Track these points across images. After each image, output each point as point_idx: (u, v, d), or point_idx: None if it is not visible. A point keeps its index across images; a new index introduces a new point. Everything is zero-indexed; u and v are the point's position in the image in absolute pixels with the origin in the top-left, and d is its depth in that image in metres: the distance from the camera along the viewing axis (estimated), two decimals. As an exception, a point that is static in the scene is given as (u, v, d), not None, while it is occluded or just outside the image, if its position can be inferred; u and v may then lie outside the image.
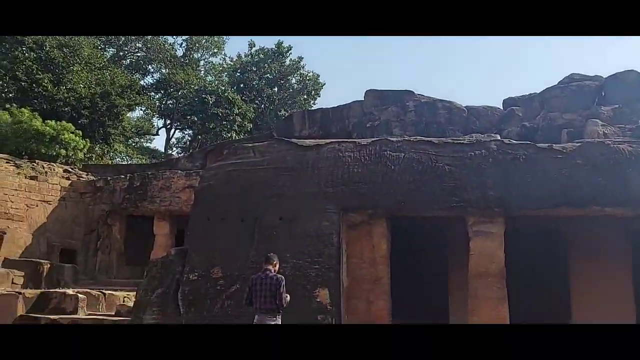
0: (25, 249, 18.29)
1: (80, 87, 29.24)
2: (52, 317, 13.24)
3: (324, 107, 25.86)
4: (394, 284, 10.37)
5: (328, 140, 11.26)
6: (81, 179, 21.77)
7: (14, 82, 28.83)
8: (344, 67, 71.79)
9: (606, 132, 12.29)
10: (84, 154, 26.41)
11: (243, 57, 43.29)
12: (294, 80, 43.57)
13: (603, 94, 16.50)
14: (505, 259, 9.78)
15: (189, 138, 42.73)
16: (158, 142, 52.05)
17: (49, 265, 17.04)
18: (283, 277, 7.95)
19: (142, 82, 38.48)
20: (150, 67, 40.29)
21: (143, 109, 39.85)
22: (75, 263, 19.24)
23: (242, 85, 40.93)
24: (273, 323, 7.77)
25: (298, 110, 30.19)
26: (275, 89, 42.25)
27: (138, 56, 39.83)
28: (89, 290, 15.33)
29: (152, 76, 40.56)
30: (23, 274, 16.13)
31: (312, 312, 9.27)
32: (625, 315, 10.88)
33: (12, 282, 15.52)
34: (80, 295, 14.26)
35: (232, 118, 35.45)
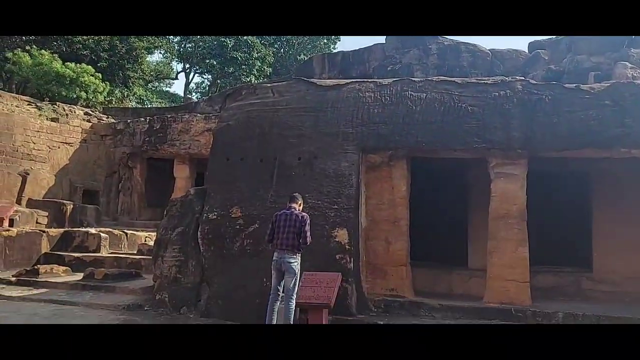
0: (48, 190, 18.58)
1: (99, 28, 28.98)
2: (75, 254, 13.60)
3: (345, 50, 25.47)
4: (413, 225, 10.33)
5: (348, 80, 11.05)
6: (102, 121, 21.88)
7: (34, 24, 28.65)
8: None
9: (635, 74, 11.91)
10: (104, 97, 26.43)
11: (263, -1, 42.52)
12: (314, 24, 42.91)
13: (633, 36, 15.96)
14: (527, 201, 9.66)
15: (208, 83, 42.58)
16: (177, 87, 51.94)
17: (72, 206, 17.38)
18: (308, 216, 7.96)
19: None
20: (169, 9, 39.79)
21: (162, 52, 39.61)
22: (97, 204, 19.54)
23: (261, 29, 40.35)
24: (294, 262, 7.79)
25: (318, 54, 29.79)
26: (295, 33, 41.66)
27: (157, -2, 39.30)
28: (111, 230, 15.65)
29: (172, 18, 40.08)
30: (47, 214, 16.51)
31: (330, 251, 9.28)
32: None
33: (37, 222, 15.93)
34: (102, 234, 14.57)
35: (251, 62, 35.16)
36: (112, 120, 22.14)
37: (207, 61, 37.02)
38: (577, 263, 11.26)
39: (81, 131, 20.63)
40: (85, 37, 28.29)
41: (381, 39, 23.70)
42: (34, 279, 11.70)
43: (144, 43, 31.15)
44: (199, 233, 9.99)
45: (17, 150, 18.19)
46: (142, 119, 21.24)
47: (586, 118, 9.30)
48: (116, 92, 31.09)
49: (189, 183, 19.96)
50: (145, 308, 9.91)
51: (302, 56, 38.75)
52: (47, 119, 19.74)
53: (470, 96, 9.89)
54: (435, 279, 11.23)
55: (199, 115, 20.47)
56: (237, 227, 9.81)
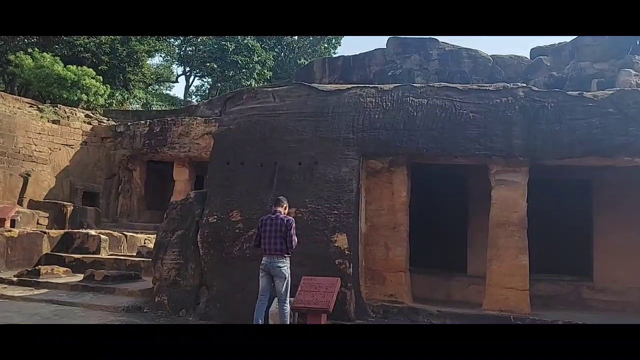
0: (49, 191, 18.62)
1: (100, 31, 29.08)
2: (75, 255, 13.65)
3: (345, 55, 25.49)
4: (413, 231, 10.31)
5: (349, 86, 11.06)
6: (102, 123, 21.92)
7: (36, 27, 28.77)
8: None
9: (639, 82, 11.84)
10: (105, 99, 26.47)
11: (264, 3, 42.60)
12: (315, 28, 42.95)
13: (638, 43, 15.92)
14: (527, 208, 9.63)
15: (208, 86, 42.63)
16: (177, 90, 52.05)
17: (72, 208, 17.43)
18: (293, 219, 7.93)
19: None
20: (170, 12, 39.85)
21: (162, 55, 39.67)
22: (97, 206, 19.57)
23: (262, 33, 40.44)
24: (284, 266, 7.76)
25: (318, 59, 29.81)
26: (295, 37, 41.70)
27: (158, 1, 39.33)
28: (111, 232, 15.68)
29: (172, 22, 40.15)
30: (48, 215, 16.58)
31: (330, 256, 9.25)
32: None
33: (38, 223, 16.01)
34: (102, 236, 14.61)
35: (251, 66, 35.19)
36: (113, 123, 22.18)
37: (208, 64, 37.04)
38: (578, 272, 11.21)
39: (82, 133, 20.66)
40: (86, 40, 28.36)
41: (382, 44, 23.72)
42: (35, 279, 11.77)
43: (144, 46, 31.22)
44: (198, 236, 9.97)
45: (18, 152, 18.21)
46: (143, 121, 21.25)
47: (589, 126, 9.27)
48: (117, 94, 31.14)
49: (188, 186, 19.94)
50: (145, 310, 9.92)
51: (302, 60, 38.80)
52: (48, 120, 19.78)
53: (472, 103, 9.87)
54: (434, 285, 11.21)
55: (199, 118, 20.45)
56: (237, 230, 9.80)
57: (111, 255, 14.23)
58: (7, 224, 14.30)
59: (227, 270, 9.60)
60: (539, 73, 17.89)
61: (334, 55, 36.57)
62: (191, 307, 9.63)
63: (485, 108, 9.77)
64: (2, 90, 24.44)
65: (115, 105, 30.26)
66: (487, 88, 10.20)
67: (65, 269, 12.71)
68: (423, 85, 10.80)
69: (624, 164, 9.51)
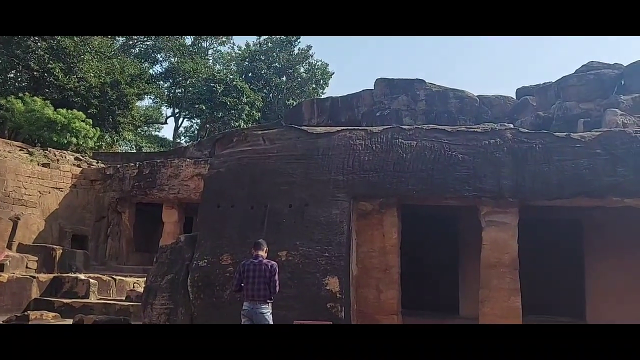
0: (38, 235, 18.52)
1: (91, 76, 29.32)
2: (64, 300, 13.55)
3: (333, 96, 25.74)
4: (404, 273, 10.27)
5: (339, 128, 11.13)
6: (92, 166, 21.91)
7: (27, 71, 29.03)
8: (353, 56, 71.47)
9: (625, 121, 11.99)
10: (94, 142, 26.52)
11: (251, 46, 43.25)
12: (302, 70, 43.45)
13: (622, 83, 16.19)
14: (518, 249, 9.63)
15: (197, 127, 42.79)
16: (166, 131, 52.18)
17: (61, 251, 17.33)
18: (276, 264, 7.76)
19: (151, 71, 38.51)
20: (159, 55, 40.33)
21: (152, 97, 39.91)
22: (86, 249, 19.50)
23: (250, 74, 40.85)
24: (267, 312, 7.59)
25: (307, 99, 30.09)
26: (284, 78, 42.16)
27: (147, 45, 39.81)
28: (100, 276, 15.57)
29: (161, 65, 40.65)
30: (37, 258, 16.48)
31: (321, 299, 9.17)
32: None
33: (27, 267, 15.92)
34: (91, 280, 14.52)
35: (240, 107, 35.41)
36: (102, 165, 22.18)
37: (197, 106, 37.25)
38: (570, 313, 11.15)
39: (71, 176, 20.62)
40: (76, 84, 28.54)
41: (370, 85, 23.93)
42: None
43: (134, 89, 31.40)
44: (188, 280, 9.87)
45: (8, 196, 18.16)
46: (132, 164, 21.30)
47: (577, 167, 9.35)
48: (106, 137, 31.18)
49: (177, 228, 19.88)
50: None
51: (291, 101, 39.14)
52: (38, 164, 19.75)
53: (461, 144, 9.95)
54: (427, 327, 11.11)
55: (188, 159, 20.52)
56: (227, 274, 9.71)
57: (100, 299, 14.10)
58: (-3, 269, 14.20)
59: (218, 315, 9.47)
60: (525, 113, 18.12)
61: (322, 96, 36.88)
62: (181, 353, 9.48)
63: (473, 149, 9.84)
64: (-8, 134, 24.43)
65: (105, 147, 30.29)
66: (475, 130, 10.30)
67: (54, 314, 12.62)
68: (412, 127, 10.89)
69: (614, 205, 9.57)
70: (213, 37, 42.32)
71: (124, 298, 14.31)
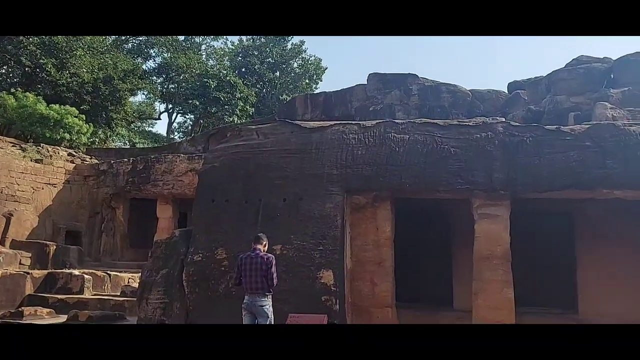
0: (31, 231, 18.49)
1: (83, 71, 29.23)
2: (58, 296, 13.54)
3: (327, 91, 25.75)
4: (398, 266, 10.36)
5: (332, 122, 11.19)
6: (85, 162, 21.86)
7: (19, 67, 28.93)
8: (346, 51, 71.52)
9: (615, 115, 12.12)
10: (87, 138, 26.45)
11: (245, 41, 43.13)
12: (295, 65, 43.43)
13: (612, 77, 16.31)
14: (510, 242, 9.74)
15: (191, 122, 42.71)
16: (160, 127, 52.09)
17: (55, 247, 17.31)
18: (274, 257, 7.81)
19: (144, 67, 38.36)
20: (151, 51, 40.15)
21: (145, 93, 39.80)
22: (80, 245, 19.44)
23: (243, 70, 40.80)
24: (266, 304, 7.66)
25: (300, 95, 30.08)
26: (277, 74, 42.12)
27: (140, 40, 39.62)
28: (94, 271, 15.57)
29: (154, 60, 40.49)
30: (30, 255, 16.48)
31: (316, 293, 9.26)
32: (633, 302, 10.85)
33: (20, 263, 15.90)
34: (86, 275, 14.53)
35: (234, 102, 35.35)
36: (96, 161, 22.14)
37: (190, 101, 37.16)
38: (563, 305, 11.25)
39: (64, 172, 20.59)
40: (69, 80, 28.43)
41: (363, 80, 23.98)
42: (18, 321, 11.59)
43: (127, 85, 31.30)
44: (183, 275, 9.94)
45: (1, 192, 18.14)
46: (126, 159, 21.28)
47: (567, 159, 9.45)
48: (99, 132, 31.10)
49: (172, 223, 19.91)
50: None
51: (284, 96, 39.10)
52: (31, 160, 19.70)
53: (453, 138, 10.04)
54: (420, 320, 11.15)
55: (182, 155, 20.52)
56: (222, 268, 9.78)
57: (95, 295, 14.11)
58: (-10, 266, 14.19)
59: (213, 309, 9.55)
60: (516, 107, 18.21)
61: (316, 91, 36.89)
62: (177, 347, 9.53)
63: (465, 143, 9.93)
64: (-16, 131, 24.36)
65: (98, 143, 30.22)
66: (467, 123, 10.39)
67: (48, 310, 12.59)
68: (404, 121, 10.96)
69: (604, 197, 9.68)
70: (206, 33, 42.19)
71: (118, 293, 14.32)
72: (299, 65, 43.36)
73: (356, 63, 70.25)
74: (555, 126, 10.12)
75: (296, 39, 42.66)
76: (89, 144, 27.23)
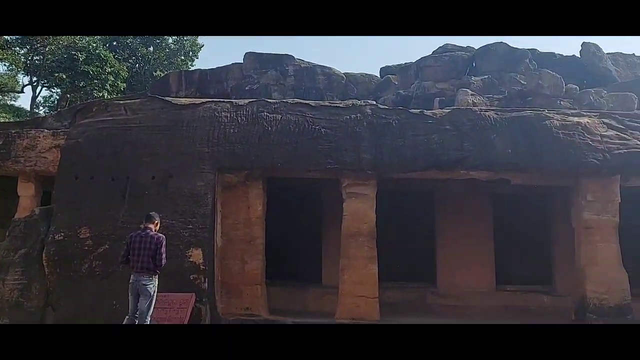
0: None
1: None
2: None
3: (202, 68, 25.28)
4: (269, 244, 10.47)
5: (204, 100, 11.07)
6: None
7: None
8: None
9: (475, 101, 12.87)
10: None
11: (117, 13, 41.27)
12: (170, 40, 42.09)
13: (474, 65, 17.24)
14: (376, 220, 10.12)
15: (57, 97, 40.36)
16: (23, 100, 48.78)
17: None
18: (164, 237, 7.72)
19: (5, 37, 35.75)
20: (14, 19, 37.44)
21: (7, 64, 37.12)
22: None
23: (115, 43, 39.07)
24: (150, 284, 7.55)
25: (175, 71, 29.30)
26: (151, 49, 40.69)
27: (1, 7, 36.81)
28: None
29: (17, 29, 37.74)
30: None
31: (184, 271, 9.17)
32: (485, 275, 11.69)
33: None
34: None
35: (104, 77, 33.80)
36: (-52, 135, 20.42)
37: (57, 74, 35.06)
38: (423, 278, 11.90)
39: None
40: None
41: (239, 59, 23.74)
42: None
43: (-15, 54, 29.11)
44: (44, 255, 9.49)
45: None
46: (-18, 134, 19.80)
47: (429, 142, 9.97)
48: (-47, 104, 28.75)
49: (34, 202, 18.72)
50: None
51: (158, 72, 37.89)
52: None
53: (324, 119, 10.25)
54: (291, 297, 11.40)
55: (46, 130, 19.28)
56: (86, 248, 9.43)
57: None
58: None
59: (76, 290, 9.20)
60: (387, 91, 18.77)
61: (191, 69, 36.09)
62: (36, 330, 9.12)
63: (335, 124, 10.17)
64: None
65: (-49, 116, 27.93)
66: (337, 105, 10.65)
67: None
68: (277, 101, 11.05)
69: (461, 177, 10.32)
70: None
71: (-28, 276, 13.38)
72: (174, 41, 42.08)
73: (234, 41, 69.31)
74: (419, 110, 10.60)
75: (172, 14, 41.43)
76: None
